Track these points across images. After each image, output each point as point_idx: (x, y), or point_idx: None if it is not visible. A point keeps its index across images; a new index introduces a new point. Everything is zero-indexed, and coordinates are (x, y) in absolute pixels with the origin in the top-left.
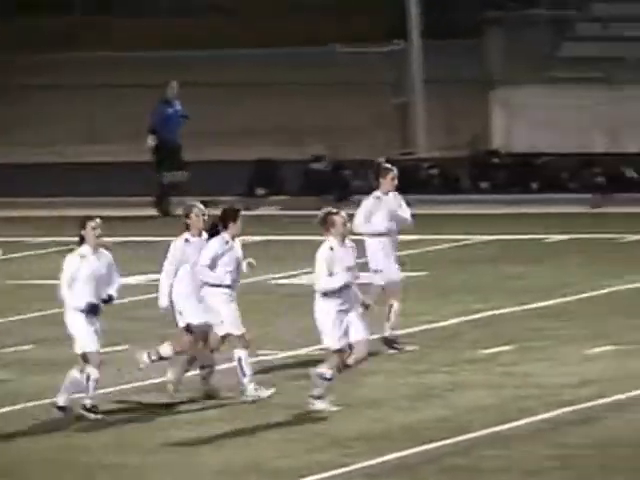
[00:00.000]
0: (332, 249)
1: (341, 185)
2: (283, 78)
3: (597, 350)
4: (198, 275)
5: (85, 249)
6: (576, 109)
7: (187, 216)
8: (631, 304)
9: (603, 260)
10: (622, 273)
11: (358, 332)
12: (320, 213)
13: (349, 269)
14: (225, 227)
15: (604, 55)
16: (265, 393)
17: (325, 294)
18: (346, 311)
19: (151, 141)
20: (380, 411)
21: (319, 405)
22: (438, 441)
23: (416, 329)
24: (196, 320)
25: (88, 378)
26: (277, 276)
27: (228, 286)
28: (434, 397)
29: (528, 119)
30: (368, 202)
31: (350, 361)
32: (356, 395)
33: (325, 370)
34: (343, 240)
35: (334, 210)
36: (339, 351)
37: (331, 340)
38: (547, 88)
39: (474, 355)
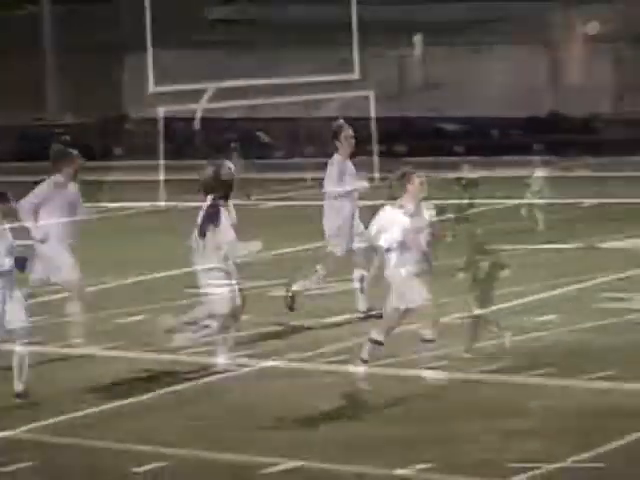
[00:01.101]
0: (402, 207)
1: None
2: None
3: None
4: None
5: None
6: (216, 73)
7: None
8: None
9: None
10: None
11: (422, 296)
12: (398, 171)
13: (418, 230)
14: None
15: (245, 17)
16: None
17: (389, 250)
18: (412, 274)
19: None
20: None
21: (361, 369)
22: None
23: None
24: None
25: None
26: None
27: None
28: (68, 367)
29: (162, 84)
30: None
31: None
32: None
33: (376, 334)
34: (416, 201)
35: (412, 169)
36: (396, 312)
37: (395, 299)
38: (186, 52)
39: (110, 324)
